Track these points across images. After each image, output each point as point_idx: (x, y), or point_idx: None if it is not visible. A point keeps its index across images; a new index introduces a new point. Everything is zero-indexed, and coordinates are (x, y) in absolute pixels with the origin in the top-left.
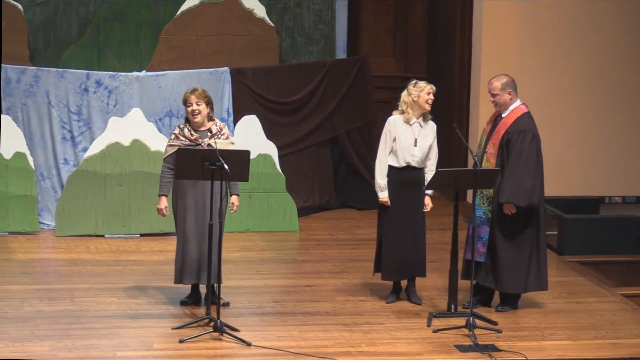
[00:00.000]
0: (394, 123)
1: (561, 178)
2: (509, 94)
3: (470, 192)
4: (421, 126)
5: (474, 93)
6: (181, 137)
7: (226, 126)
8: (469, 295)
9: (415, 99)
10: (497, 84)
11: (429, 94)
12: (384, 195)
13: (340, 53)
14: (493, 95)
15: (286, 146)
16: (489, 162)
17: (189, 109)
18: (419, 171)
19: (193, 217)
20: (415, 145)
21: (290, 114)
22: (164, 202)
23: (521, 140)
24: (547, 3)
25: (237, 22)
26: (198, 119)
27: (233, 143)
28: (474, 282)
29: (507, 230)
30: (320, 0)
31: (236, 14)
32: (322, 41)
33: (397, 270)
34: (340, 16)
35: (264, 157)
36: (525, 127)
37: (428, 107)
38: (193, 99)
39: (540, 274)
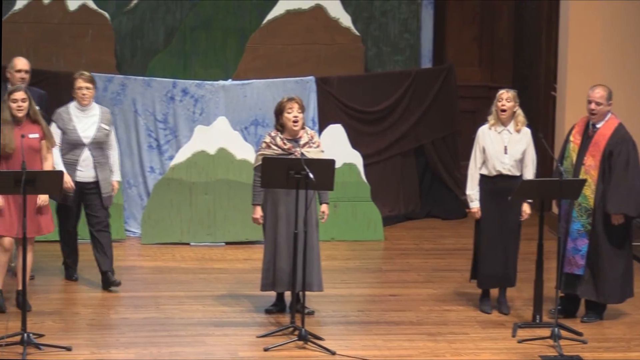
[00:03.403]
0: (482, 133)
1: None
2: (610, 105)
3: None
4: (510, 133)
5: (560, 102)
6: (273, 147)
7: (316, 134)
8: (555, 304)
9: (495, 108)
10: (604, 93)
11: (500, 100)
12: (473, 206)
13: (426, 62)
14: (597, 104)
15: (371, 155)
16: (589, 174)
17: (291, 115)
18: (513, 180)
19: (285, 226)
20: (505, 153)
21: (376, 123)
22: (259, 212)
23: (625, 150)
24: (637, 4)
25: (323, 31)
26: (298, 126)
27: (323, 151)
28: (562, 294)
29: (612, 242)
30: (406, 9)
31: (322, 23)
32: (408, 50)
33: (486, 278)
34: (426, 25)
35: (349, 167)
36: (625, 136)
37: (502, 115)
38: (295, 107)
39: (631, 282)
